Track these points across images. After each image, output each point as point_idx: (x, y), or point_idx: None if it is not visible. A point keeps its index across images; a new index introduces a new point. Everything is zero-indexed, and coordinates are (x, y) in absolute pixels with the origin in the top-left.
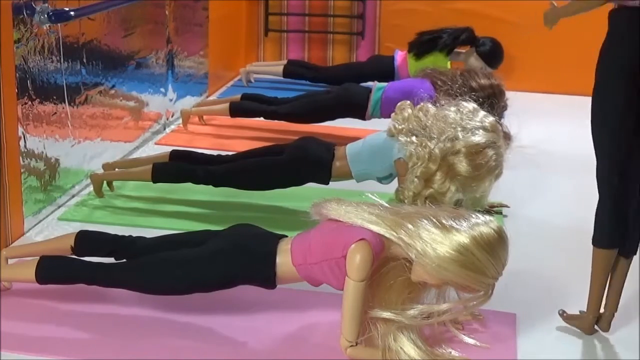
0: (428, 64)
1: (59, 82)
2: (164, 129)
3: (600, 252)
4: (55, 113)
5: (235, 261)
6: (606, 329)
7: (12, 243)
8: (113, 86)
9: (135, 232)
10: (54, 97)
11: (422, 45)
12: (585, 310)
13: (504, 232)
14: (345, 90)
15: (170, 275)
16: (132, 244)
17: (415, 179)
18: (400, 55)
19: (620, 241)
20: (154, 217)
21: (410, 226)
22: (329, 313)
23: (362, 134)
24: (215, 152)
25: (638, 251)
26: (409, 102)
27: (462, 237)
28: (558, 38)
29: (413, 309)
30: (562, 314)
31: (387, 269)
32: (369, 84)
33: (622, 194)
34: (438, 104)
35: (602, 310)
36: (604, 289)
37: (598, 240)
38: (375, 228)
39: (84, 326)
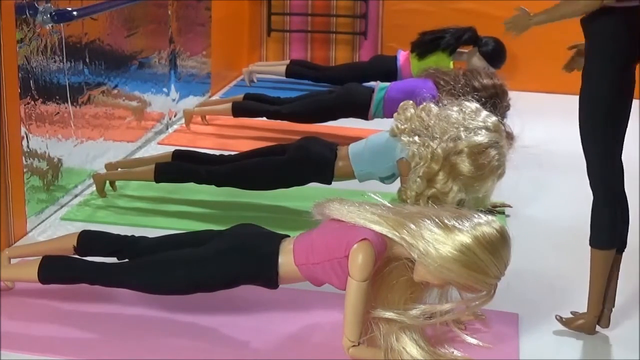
0: (431, 63)
1: (61, 82)
2: (167, 128)
3: (599, 253)
4: (58, 113)
5: (237, 261)
6: (606, 325)
7: (14, 243)
8: (116, 86)
9: (137, 232)
10: (57, 97)
11: (425, 45)
12: (579, 311)
13: (506, 232)
14: (347, 90)
15: (173, 275)
16: (135, 244)
17: (418, 179)
18: (402, 55)
19: (617, 240)
20: (156, 217)
21: (412, 226)
22: (331, 313)
23: (364, 133)
24: (217, 152)
25: (639, 251)
26: (411, 102)
27: (464, 237)
28: (561, 38)
29: (415, 309)
30: (560, 319)
31: (390, 269)
32: (372, 83)
33: (615, 193)
34: (441, 104)
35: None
36: (604, 289)
37: (596, 242)
38: (377, 228)
39: (86, 326)
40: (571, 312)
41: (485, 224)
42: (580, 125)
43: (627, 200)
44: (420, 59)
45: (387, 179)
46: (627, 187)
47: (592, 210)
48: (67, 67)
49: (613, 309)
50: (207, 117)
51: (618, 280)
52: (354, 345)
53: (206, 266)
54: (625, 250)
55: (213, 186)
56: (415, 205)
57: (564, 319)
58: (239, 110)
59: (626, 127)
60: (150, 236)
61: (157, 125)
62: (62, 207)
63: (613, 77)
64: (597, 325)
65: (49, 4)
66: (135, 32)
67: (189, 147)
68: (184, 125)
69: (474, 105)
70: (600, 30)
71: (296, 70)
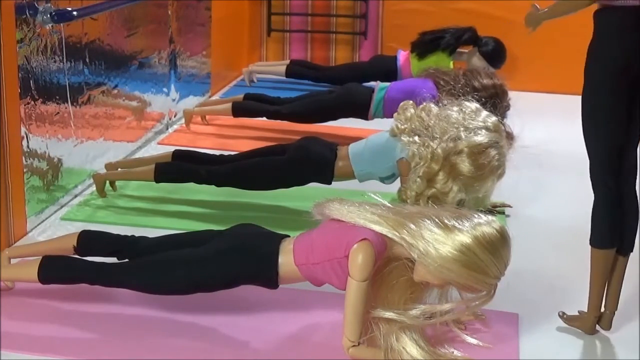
0: (431, 63)
1: (61, 82)
2: (167, 128)
3: (599, 252)
4: (58, 113)
5: (237, 261)
6: (608, 327)
7: (14, 243)
8: (116, 86)
9: (137, 232)
10: (57, 97)
11: (425, 45)
12: (584, 310)
13: (506, 232)
14: (347, 90)
15: (173, 275)
16: (135, 244)
17: (418, 179)
18: (402, 55)
19: (617, 240)
20: (156, 217)
21: (412, 226)
22: (331, 313)
23: (364, 134)
24: (217, 152)
25: (638, 252)
26: (411, 102)
27: (464, 237)
28: (561, 38)
29: (415, 309)
30: (562, 316)
31: (390, 269)
32: (372, 83)
33: (616, 193)
34: (441, 104)
35: (602, 309)
36: (604, 288)
37: (596, 241)
38: (377, 228)
39: (86, 326)
40: (578, 311)
41: (485, 224)
42: (582, 124)
43: (637, 202)
44: (420, 59)
45: (387, 179)
46: None
47: (592, 210)
48: (67, 67)
49: (615, 312)
50: (207, 117)
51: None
52: (354, 345)
53: (206, 266)
54: None
55: (213, 186)
56: (415, 205)
57: (565, 316)
58: (239, 110)
59: (637, 127)
60: (150, 236)
61: (157, 125)
62: (62, 207)
63: (614, 76)
64: (597, 326)
65: (49, 4)
66: (135, 32)
67: (189, 147)
68: (184, 125)
69: (474, 105)
70: (601, 29)
71: (296, 70)
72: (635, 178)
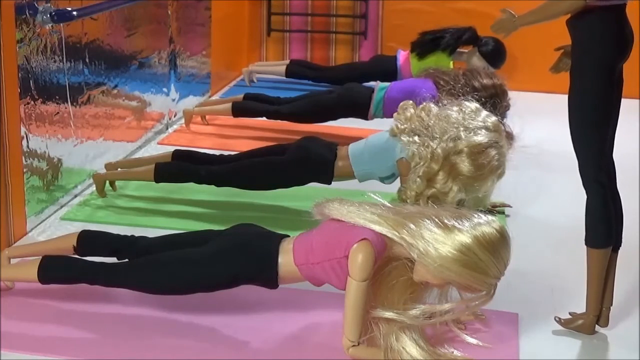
0: (430, 63)
1: (61, 82)
2: (167, 128)
3: (597, 252)
4: (58, 113)
5: (237, 261)
6: (605, 324)
7: (14, 243)
8: (115, 86)
9: (137, 232)
10: (57, 97)
11: (425, 45)
12: (577, 311)
13: (506, 231)
14: (347, 90)
15: (172, 275)
16: (135, 244)
17: (418, 179)
18: (402, 55)
19: (613, 238)
20: (156, 216)
21: (412, 226)
22: (331, 313)
23: (364, 133)
24: (217, 152)
25: (638, 249)
26: (411, 101)
27: (464, 237)
28: (561, 38)
29: (415, 309)
30: (559, 321)
31: (389, 269)
32: (372, 83)
33: (609, 190)
34: (440, 104)
35: None
36: (602, 287)
37: (593, 241)
38: (377, 228)
39: (86, 326)
40: (569, 313)
41: (485, 223)
42: (570, 125)
43: (620, 198)
44: (420, 59)
45: (387, 179)
46: (627, 187)
47: (586, 210)
48: (67, 67)
49: (611, 308)
50: (207, 117)
51: (616, 279)
52: (353, 345)
53: (206, 266)
54: (624, 248)
55: (213, 186)
56: (415, 205)
57: (562, 320)
58: (238, 110)
59: (615, 125)
60: (150, 236)
61: (157, 125)
62: (62, 207)
63: (600, 76)
64: (596, 325)
65: (49, 4)
66: (135, 32)
67: (189, 147)
68: (184, 125)
69: (474, 105)
70: (585, 31)
71: (296, 70)
72: (615, 174)
